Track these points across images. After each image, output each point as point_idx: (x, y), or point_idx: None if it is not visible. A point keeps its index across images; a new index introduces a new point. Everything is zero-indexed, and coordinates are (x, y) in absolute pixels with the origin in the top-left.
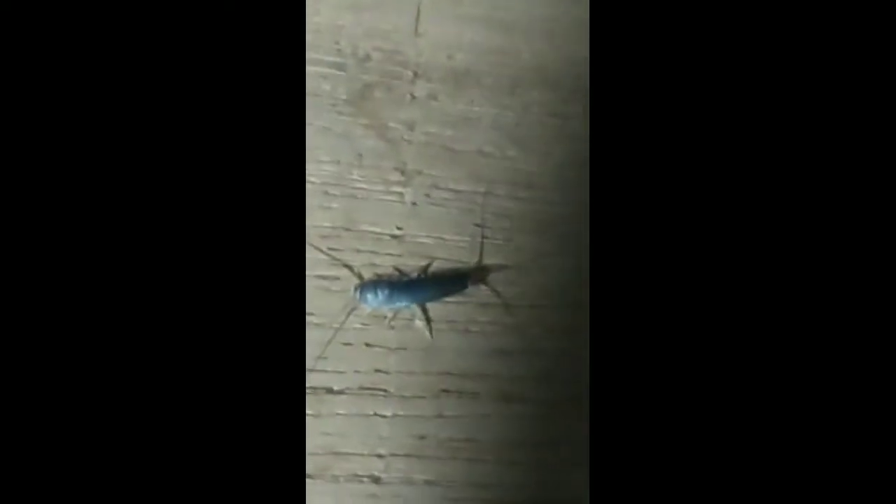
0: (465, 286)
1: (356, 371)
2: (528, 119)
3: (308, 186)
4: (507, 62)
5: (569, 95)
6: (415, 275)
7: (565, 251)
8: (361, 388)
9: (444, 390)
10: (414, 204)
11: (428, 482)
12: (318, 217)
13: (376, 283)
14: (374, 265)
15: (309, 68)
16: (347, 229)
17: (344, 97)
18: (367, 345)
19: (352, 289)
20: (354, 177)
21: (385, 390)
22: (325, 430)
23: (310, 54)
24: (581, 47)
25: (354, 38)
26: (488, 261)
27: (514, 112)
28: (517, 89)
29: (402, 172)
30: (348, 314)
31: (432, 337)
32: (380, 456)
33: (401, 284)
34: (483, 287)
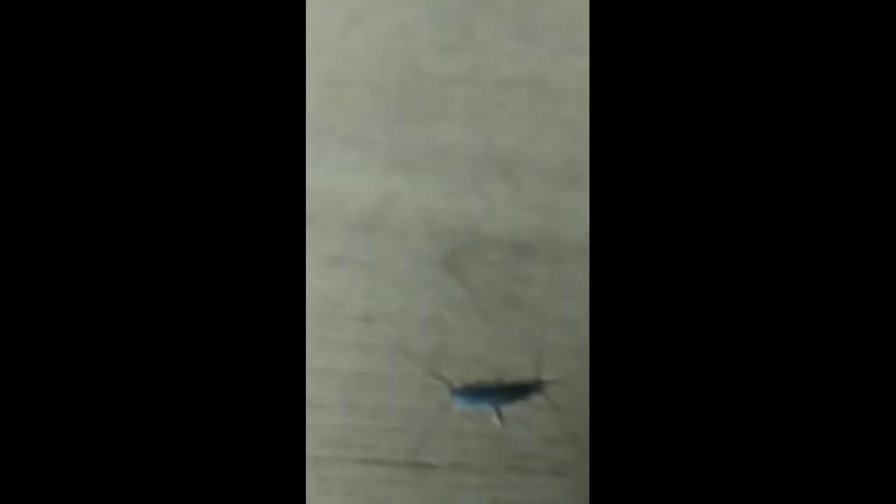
0: (527, 393)
1: (449, 453)
2: (571, 278)
3: (416, 320)
4: (553, 237)
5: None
6: (492, 385)
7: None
8: (450, 463)
9: (512, 466)
10: (492, 336)
11: None
12: (422, 343)
13: (465, 389)
14: (462, 379)
15: (416, 237)
16: (441, 353)
17: (438, 258)
18: (457, 434)
19: (446, 393)
20: (446, 317)
21: (470, 465)
22: (426, 494)
23: (416, 229)
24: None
25: (445, 217)
26: (545, 377)
27: (560, 274)
28: (562, 256)
29: (481, 314)
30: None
31: (503, 427)
32: None
33: (482, 390)
34: (541, 395)
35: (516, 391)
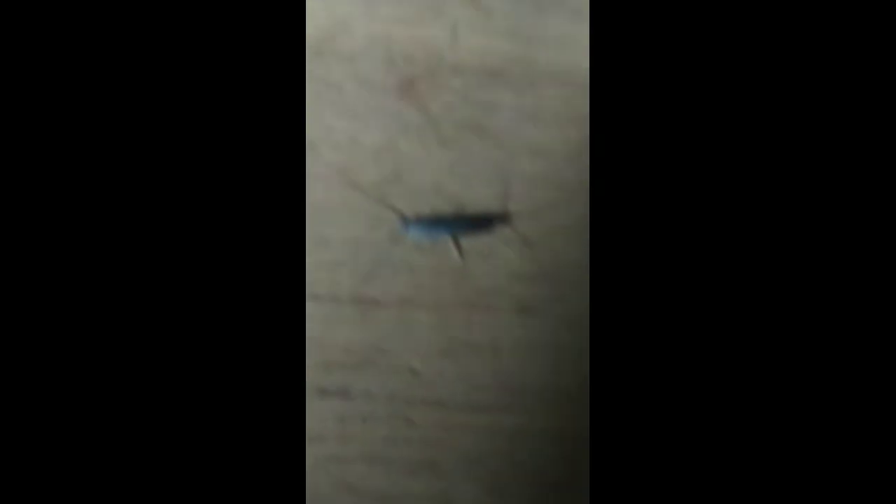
0: (490, 224)
1: (399, 288)
2: (543, 105)
3: (364, 150)
4: (526, 63)
5: (577, 91)
6: (451, 216)
7: (569, 202)
8: (399, 299)
9: (471, 303)
10: (451, 165)
11: (459, 377)
12: (372, 173)
13: (419, 220)
14: (417, 210)
15: (366, 64)
16: (395, 182)
17: (393, 85)
18: (409, 267)
19: (398, 224)
20: (399, 143)
21: (422, 301)
22: (371, 333)
23: (367, 54)
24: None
25: (403, 44)
26: (512, 208)
27: (531, 99)
28: (535, 84)
29: (441, 142)
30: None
31: (462, 261)
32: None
33: (439, 221)
34: (507, 227)
35: (479, 222)
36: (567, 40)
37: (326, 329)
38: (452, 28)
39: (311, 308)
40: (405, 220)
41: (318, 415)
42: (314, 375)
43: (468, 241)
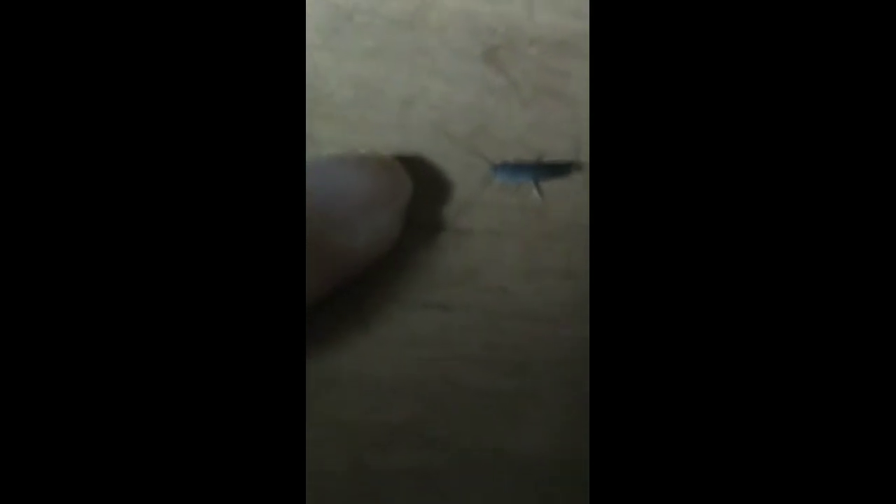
0: (566, 171)
1: (489, 222)
2: None
3: (453, 107)
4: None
5: None
6: (533, 163)
7: None
8: (489, 230)
9: (550, 235)
10: (531, 122)
11: (540, 295)
12: (461, 127)
13: (505, 165)
14: (502, 158)
15: (456, 34)
16: (481, 135)
17: (478, 53)
18: (498, 205)
19: (488, 170)
20: (486, 102)
21: (507, 233)
22: (464, 255)
23: (456, 27)
24: None
25: (486, 18)
26: (583, 158)
27: None
28: None
29: (521, 102)
30: (485, 185)
31: (542, 200)
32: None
33: (522, 167)
34: (580, 173)
35: (556, 169)
36: None
37: (427, 254)
38: (528, 4)
39: (415, 235)
40: (493, 166)
41: (420, 324)
42: (417, 292)
43: (547, 185)
